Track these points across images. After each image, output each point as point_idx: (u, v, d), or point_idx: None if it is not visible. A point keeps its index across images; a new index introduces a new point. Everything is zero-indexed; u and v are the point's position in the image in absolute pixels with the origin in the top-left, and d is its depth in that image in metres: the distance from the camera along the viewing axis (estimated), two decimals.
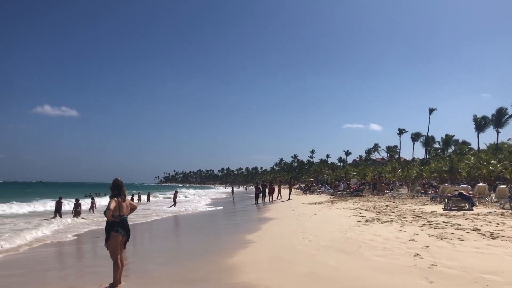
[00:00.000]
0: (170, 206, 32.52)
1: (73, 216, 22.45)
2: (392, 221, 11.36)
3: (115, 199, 7.15)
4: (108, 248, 7.14)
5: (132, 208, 7.46)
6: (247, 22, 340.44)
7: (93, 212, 25.51)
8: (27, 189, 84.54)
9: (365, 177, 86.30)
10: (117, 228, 7.07)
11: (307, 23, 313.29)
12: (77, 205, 23.22)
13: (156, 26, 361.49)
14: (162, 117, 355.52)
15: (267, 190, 31.27)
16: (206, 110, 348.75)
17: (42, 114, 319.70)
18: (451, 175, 61.56)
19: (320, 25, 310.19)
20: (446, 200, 15.06)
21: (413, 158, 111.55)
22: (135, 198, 38.98)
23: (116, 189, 7.26)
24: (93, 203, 26.73)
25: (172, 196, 36.34)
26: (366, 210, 16.52)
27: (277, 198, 31.53)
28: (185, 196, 55.35)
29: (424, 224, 10.19)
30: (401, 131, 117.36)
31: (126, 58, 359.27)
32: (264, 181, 35.15)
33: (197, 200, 46.52)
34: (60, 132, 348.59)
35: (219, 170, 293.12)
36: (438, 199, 21.08)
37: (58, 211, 22.58)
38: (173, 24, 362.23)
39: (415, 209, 14.70)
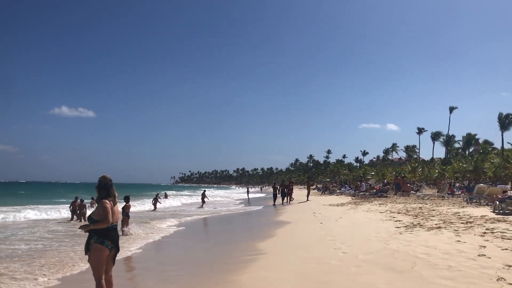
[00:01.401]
0: (199, 207, 32.04)
1: (79, 219, 21.25)
2: (439, 227, 9.52)
3: (107, 201, 5.55)
4: (89, 263, 5.54)
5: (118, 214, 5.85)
6: (262, 20, 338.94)
7: None
8: (51, 189, 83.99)
9: (383, 178, 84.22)
10: (102, 240, 5.45)
11: (323, 22, 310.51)
12: (81, 206, 21.90)
13: (170, 25, 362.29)
14: (178, 117, 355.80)
15: (286, 190, 29.50)
16: (222, 110, 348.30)
17: (60, 115, 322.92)
18: (475, 175, 59.03)
19: (336, 24, 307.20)
20: (497, 202, 13.13)
21: (432, 158, 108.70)
22: (162, 197, 37.90)
23: (104, 190, 5.64)
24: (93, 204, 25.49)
25: (201, 196, 35.31)
26: (398, 213, 14.65)
27: (287, 201, 29.52)
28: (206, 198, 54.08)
29: (485, 233, 8.31)
30: (420, 130, 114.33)
31: (142, 59, 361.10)
32: (283, 181, 33.23)
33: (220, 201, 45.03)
34: (77, 133, 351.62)
35: (234, 171, 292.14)
36: (475, 201, 19.12)
37: (74, 212, 21.29)
38: (187, 23, 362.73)
39: (458, 213, 12.83)
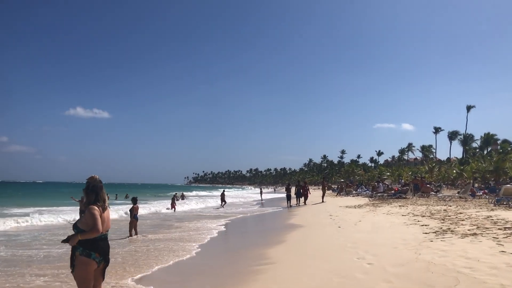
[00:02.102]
0: (219, 208, 31.64)
1: None
2: (475, 234, 8.50)
3: (96, 207, 4.74)
4: (75, 279, 4.73)
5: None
6: (279, 24, 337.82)
7: None
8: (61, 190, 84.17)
9: (400, 178, 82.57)
10: (88, 252, 4.63)
11: (339, 23, 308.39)
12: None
13: (184, 28, 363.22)
14: (192, 118, 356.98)
15: (301, 191, 28.53)
16: (235, 111, 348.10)
17: (75, 116, 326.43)
18: (496, 175, 57.32)
19: (352, 23, 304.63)
20: None
21: (448, 157, 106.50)
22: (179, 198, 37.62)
23: (92, 193, 4.83)
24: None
25: (220, 196, 34.77)
26: (422, 216, 13.61)
27: (303, 203, 28.50)
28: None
29: None
30: (437, 130, 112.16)
31: (157, 60, 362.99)
32: (298, 181, 32.19)
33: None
34: (93, 134, 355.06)
35: (247, 171, 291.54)
36: (505, 203, 17.93)
37: (83, 212, 20.75)
38: (204, 25, 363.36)
39: (490, 216, 11.77)
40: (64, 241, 4.66)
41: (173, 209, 29.00)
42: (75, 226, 4.67)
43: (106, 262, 4.78)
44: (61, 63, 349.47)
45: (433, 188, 30.96)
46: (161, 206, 31.09)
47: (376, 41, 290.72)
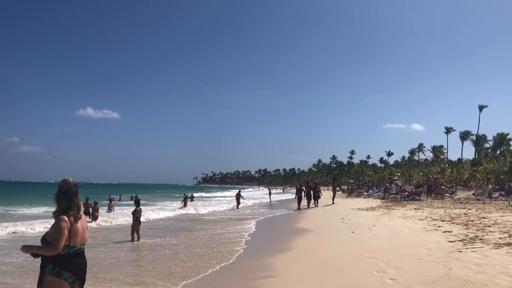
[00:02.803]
0: (233, 209, 31.59)
1: (92, 220, 20.23)
2: (510, 244, 7.59)
3: (66, 217, 3.92)
4: None
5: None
6: (288, 25, 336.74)
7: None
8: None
9: (410, 179, 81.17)
10: (59, 271, 3.83)
11: (348, 23, 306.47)
12: (94, 209, 20.82)
13: (195, 30, 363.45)
14: (201, 118, 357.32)
15: (311, 192, 27.57)
16: (244, 112, 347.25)
17: (85, 116, 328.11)
18: (510, 176, 55.92)
19: (362, 24, 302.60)
20: None
21: (459, 158, 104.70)
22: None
23: (65, 199, 4.01)
24: (110, 206, 24.46)
25: (235, 196, 34.32)
26: (442, 220, 12.66)
27: (315, 204, 27.49)
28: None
29: None
30: (448, 130, 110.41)
31: (166, 62, 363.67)
32: (308, 182, 31.17)
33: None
34: (102, 134, 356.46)
35: (256, 171, 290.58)
36: None
37: (86, 214, 20.17)
38: (212, 27, 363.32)
39: None
40: (21, 249, 3.89)
41: (185, 207, 29.26)
42: (43, 238, 3.88)
43: (82, 281, 3.98)
44: (71, 65, 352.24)
45: (448, 190, 29.85)
46: (175, 207, 31.00)
47: (385, 41, 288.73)
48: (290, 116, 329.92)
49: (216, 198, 57.98)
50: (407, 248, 8.28)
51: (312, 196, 27.32)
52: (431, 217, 13.88)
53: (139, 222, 14.62)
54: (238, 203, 32.66)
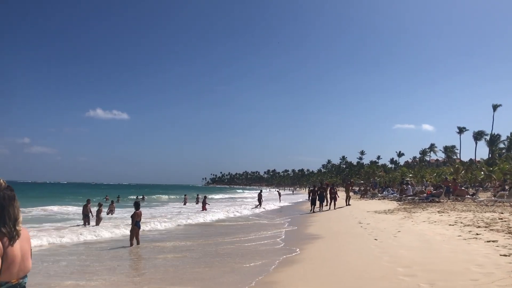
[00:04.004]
0: (256, 206, 31.92)
1: (96, 224, 19.07)
2: None
3: None
4: None
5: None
6: (295, 23, 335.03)
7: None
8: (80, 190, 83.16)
9: (423, 180, 79.30)
10: None
11: (357, 21, 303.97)
12: (99, 211, 19.71)
13: (202, 29, 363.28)
14: (210, 120, 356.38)
15: (326, 194, 25.96)
16: (252, 112, 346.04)
17: (95, 117, 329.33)
18: None
19: (370, 22, 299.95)
20: None
21: (471, 159, 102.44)
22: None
23: None
24: (112, 208, 23.41)
25: (257, 196, 34.65)
26: (477, 226, 11.20)
27: (320, 209, 25.70)
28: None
29: None
30: (461, 130, 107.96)
31: (174, 61, 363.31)
32: (321, 182, 29.49)
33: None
34: (112, 135, 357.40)
35: (265, 172, 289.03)
36: None
37: (86, 216, 19.07)
38: (218, 26, 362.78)
39: None
40: None
41: (204, 210, 28.48)
42: None
43: None
44: (81, 66, 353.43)
45: (468, 191, 28.26)
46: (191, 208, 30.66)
47: (395, 41, 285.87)
48: (299, 116, 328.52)
49: (239, 199, 56.81)
50: (450, 263, 6.87)
51: (326, 197, 25.71)
52: (461, 222, 12.44)
53: (139, 226, 13.38)
54: (260, 203, 32.71)
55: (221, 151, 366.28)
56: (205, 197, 32.09)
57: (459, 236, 9.79)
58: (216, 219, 22.59)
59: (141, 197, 51.43)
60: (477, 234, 9.80)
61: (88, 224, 18.80)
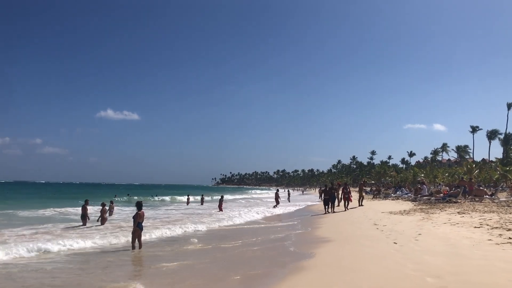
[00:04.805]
0: (274, 206, 32.14)
1: (100, 224, 18.64)
2: None
3: None
4: None
5: None
6: (311, 27, 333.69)
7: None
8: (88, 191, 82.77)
9: (435, 179, 77.85)
10: None
11: (369, 21, 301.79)
12: (103, 211, 19.11)
13: (213, 28, 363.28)
14: (220, 120, 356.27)
15: (337, 194, 24.91)
16: (263, 113, 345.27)
17: (106, 118, 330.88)
18: None
19: (380, 20, 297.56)
20: None
21: (483, 158, 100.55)
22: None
23: None
24: (111, 208, 22.88)
25: (274, 195, 34.67)
26: (507, 229, 10.24)
27: (332, 210, 24.23)
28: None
29: None
30: (474, 129, 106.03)
31: (185, 62, 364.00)
32: (332, 182, 28.27)
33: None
34: (123, 135, 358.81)
35: (274, 172, 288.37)
36: None
37: (84, 217, 18.42)
38: (234, 23, 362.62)
39: None
40: None
41: (220, 210, 28.20)
42: None
43: None
44: (92, 67, 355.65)
45: (487, 191, 27.11)
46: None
47: (405, 41, 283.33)
48: (309, 116, 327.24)
49: (252, 200, 55.96)
50: (486, 273, 5.96)
51: (338, 198, 24.70)
52: (487, 225, 11.47)
53: (141, 228, 12.60)
54: (277, 202, 32.89)
55: (231, 152, 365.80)
56: (222, 197, 31.63)
57: (489, 240, 8.85)
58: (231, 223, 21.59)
59: (156, 197, 50.92)
60: (510, 238, 8.85)
61: (84, 224, 18.18)
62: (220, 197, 31.47)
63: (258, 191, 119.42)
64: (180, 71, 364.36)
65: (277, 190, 35.49)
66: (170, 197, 53.81)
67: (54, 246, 11.90)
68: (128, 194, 51.50)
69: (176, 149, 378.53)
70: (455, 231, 10.84)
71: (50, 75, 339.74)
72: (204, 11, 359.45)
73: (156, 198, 50.90)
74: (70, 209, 27.11)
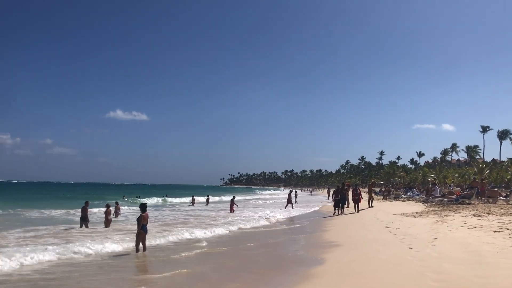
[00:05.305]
0: (287, 207, 31.17)
1: (105, 226, 18.15)
2: None
3: None
4: None
5: None
6: (315, 21, 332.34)
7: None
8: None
9: (445, 180, 76.76)
10: None
11: (376, 20, 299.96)
12: (107, 213, 18.63)
13: (222, 28, 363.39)
14: (228, 120, 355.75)
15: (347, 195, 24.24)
16: (271, 113, 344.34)
17: (115, 118, 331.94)
18: None
19: (389, 22, 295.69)
20: None
21: (494, 158, 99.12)
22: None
23: None
24: (117, 209, 22.47)
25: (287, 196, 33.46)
26: None
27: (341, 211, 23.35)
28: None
29: None
30: (485, 129, 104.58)
31: (193, 62, 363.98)
32: (344, 183, 27.41)
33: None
34: (132, 136, 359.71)
35: (282, 172, 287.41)
36: None
37: (83, 219, 17.99)
38: (242, 24, 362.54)
39: None
40: None
41: (232, 211, 27.90)
42: None
43: None
44: (101, 68, 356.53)
45: (501, 192, 26.38)
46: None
47: (414, 39, 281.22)
48: (317, 116, 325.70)
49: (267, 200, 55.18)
50: None
51: (346, 200, 23.91)
52: (508, 229, 10.87)
53: (145, 230, 12.15)
54: (290, 202, 32.03)
55: (239, 152, 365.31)
56: (233, 197, 31.28)
57: None
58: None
59: (165, 197, 50.58)
60: None
61: (86, 227, 17.76)
62: (231, 198, 31.12)
63: (268, 191, 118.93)
64: (189, 72, 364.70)
65: (290, 191, 34.87)
66: (179, 199, 53.19)
67: (48, 254, 10.61)
68: (123, 196, 50.96)
69: (184, 150, 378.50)
70: (474, 236, 10.26)
71: (60, 77, 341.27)
72: (215, 12, 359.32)
73: (165, 197, 50.40)
74: (71, 211, 26.84)
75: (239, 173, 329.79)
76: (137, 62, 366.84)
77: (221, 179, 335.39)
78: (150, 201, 41.96)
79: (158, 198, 48.25)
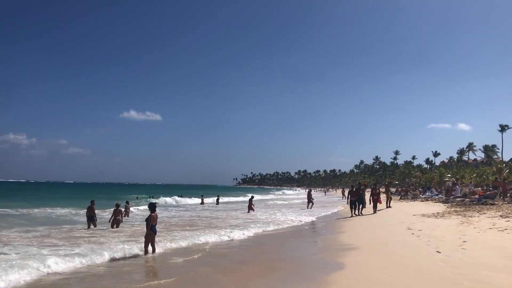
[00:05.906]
0: (307, 208, 31.08)
1: (112, 226, 17.52)
2: None
3: None
4: None
5: None
6: (331, 24, 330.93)
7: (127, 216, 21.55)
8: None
9: (462, 180, 75.12)
10: None
11: (391, 21, 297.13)
12: (117, 212, 18.11)
13: (235, 30, 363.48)
14: (241, 120, 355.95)
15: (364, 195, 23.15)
16: (284, 112, 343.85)
17: (129, 119, 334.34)
18: None
19: (405, 22, 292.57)
20: None
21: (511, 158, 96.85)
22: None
23: None
24: (127, 209, 22.06)
25: (307, 195, 33.65)
26: None
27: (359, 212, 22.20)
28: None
29: None
30: (503, 128, 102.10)
31: (207, 64, 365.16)
32: (360, 183, 26.12)
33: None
34: (145, 136, 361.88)
35: (295, 173, 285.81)
36: None
37: (91, 219, 17.52)
38: (252, 26, 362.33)
39: None
40: None
41: (251, 211, 27.73)
42: None
43: None
44: (115, 69, 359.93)
45: None
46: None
47: (430, 38, 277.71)
48: (331, 116, 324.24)
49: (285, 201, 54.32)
50: None
51: (362, 201, 22.77)
52: None
53: (155, 231, 11.61)
54: (310, 202, 31.90)
55: (252, 152, 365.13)
56: (252, 197, 30.99)
57: None
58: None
59: (181, 197, 50.21)
60: None
61: (94, 226, 17.33)
62: (250, 198, 30.85)
63: (289, 191, 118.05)
64: (202, 72, 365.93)
65: (310, 190, 34.88)
66: (192, 197, 52.58)
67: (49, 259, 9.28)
68: (136, 197, 50.97)
69: (197, 150, 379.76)
70: (507, 239, 9.48)
71: (75, 78, 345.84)
72: (222, 11, 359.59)
73: (180, 196, 49.94)
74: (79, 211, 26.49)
75: (252, 173, 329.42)
76: (151, 63, 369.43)
77: (234, 179, 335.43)
78: (159, 200, 41.35)
79: (171, 198, 47.69)
